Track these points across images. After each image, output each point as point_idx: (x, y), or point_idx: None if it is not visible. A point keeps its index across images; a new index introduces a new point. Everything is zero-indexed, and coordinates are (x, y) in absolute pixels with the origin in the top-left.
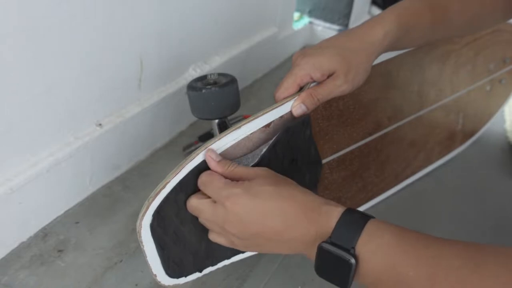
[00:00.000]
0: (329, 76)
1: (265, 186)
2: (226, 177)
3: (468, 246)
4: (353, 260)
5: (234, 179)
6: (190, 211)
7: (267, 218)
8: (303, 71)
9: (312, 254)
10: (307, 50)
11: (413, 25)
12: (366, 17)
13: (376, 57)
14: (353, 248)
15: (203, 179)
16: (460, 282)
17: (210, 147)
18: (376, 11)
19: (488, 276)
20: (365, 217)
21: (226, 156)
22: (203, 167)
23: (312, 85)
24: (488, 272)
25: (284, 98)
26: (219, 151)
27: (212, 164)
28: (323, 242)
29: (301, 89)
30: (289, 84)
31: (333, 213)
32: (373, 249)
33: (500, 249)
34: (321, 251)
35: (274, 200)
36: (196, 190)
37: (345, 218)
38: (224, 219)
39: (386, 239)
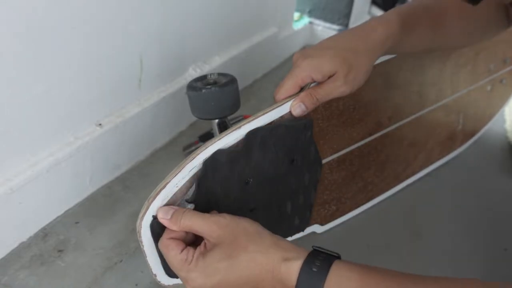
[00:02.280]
0: (330, 77)
1: (220, 263)
2: (185, 230)
3: (437, 281)
4: None
5: (192, 231)
6: None
7: (233, 279)
8: (304, 73)
9: None
10: (308, 50)
11: (414, 29)
12: (366, 17)
13: (377, 58)
14: None
15: (162, 250)
16: None
17: (160, 207)
18: (376, 11)
19: None
20: (326, 266)
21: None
22: (202, 172)
23: (312, 85)
24: None
25: (284, 99)
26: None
27: (165, 223)
28: None
29: (301, 90)
30: (289, 85)
31: (292, 270)
32: None
33: (466, 283)
34: None
35: (231, 276)
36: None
37: (305, 274)
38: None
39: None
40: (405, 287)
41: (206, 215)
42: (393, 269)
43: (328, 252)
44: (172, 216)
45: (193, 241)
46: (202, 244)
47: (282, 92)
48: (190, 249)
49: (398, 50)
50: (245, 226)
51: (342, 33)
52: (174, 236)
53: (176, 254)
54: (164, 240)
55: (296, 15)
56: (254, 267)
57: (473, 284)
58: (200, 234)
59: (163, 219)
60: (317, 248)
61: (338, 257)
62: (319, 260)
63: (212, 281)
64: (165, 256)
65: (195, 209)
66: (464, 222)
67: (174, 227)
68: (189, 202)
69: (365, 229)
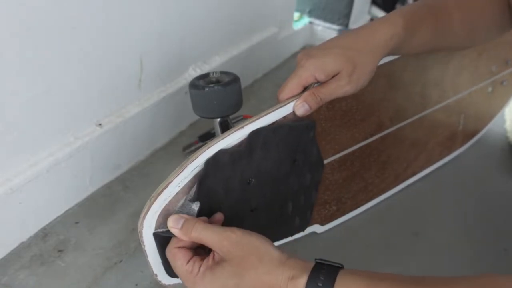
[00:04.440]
0: (334, 76)
1: (228, 280)
2: (196, 241)
3: (436, 282)
4: None
5: (203, 243)
6: None
7: None
8: (308, 72)
9: None
10: (312, 50)
11: (418, 30)
12: (366, 17)
13: (381, 59)
14: None
15: (169, 258)
16: None
17: (171, 216)
18: (376, 11)
19: None
20: (331, 280)
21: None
22: (203, 171)
23: (315, 85)
24: None
25: (288, 99)
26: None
27: (175, 232)
28: None
29: (305, 90)
30: (293, 85)
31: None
32: None
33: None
34: None
35: None
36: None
37: None
38: None
39: None
40: None
41: (217, 228)
42: (398, 274)
43: (331, 264)
44: (182, 226)
45: (201, 247)
46: (211, 256)
47: (286, 92)
48: (197, 261)
49: (401, 51)
50: (256, 245)
51: (346, 34)
52: (182, 245)
53: (182, 265)
54: (171, 249)
55: (296, 15)
56: (261, 287)
57: (487, 282)
58: (210, 247)
59: (174, 229)
60: (319, 261)
61: (341, 267)
62: (323, 274)
63: None
64: (172, 265)
65: (201, 207)
66: (464, 222)
67: (184, 238)
68: (192, 202)
69: (365, 229)
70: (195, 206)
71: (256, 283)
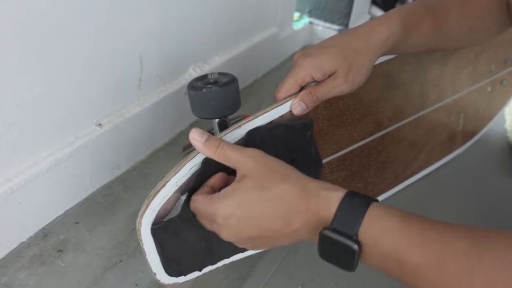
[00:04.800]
0: (330, 76)
1: (252, 192)
2: (217, 159)
3: (472, 230)
4: (356, 247)
5: (225, 162)
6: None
7: (263, 221)
8: (304, 71)
9: (316, 239)
10: (309, 50)
11: (415, 29)
12: (366, 17)
13: (378, 58)
14: (356, 234)
15: (191, 206)
16: (468, 266)
17: (193, 128)
18: (376, 11)
19: (495, 258)
20: (367, 201)
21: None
22: (201, 170)
23: (312, 84)
24: (495, 254)
25: (285, 98)
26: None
27: (198, 146)
28: (324, 229)
29: (302, 89)
30: (290, 85)
31: (332, 199)
32: (376, 235)
33: (504, 233)
34: (323, 237)
35: (265, 204)
36: (195, 189)
37: (346, 204)
38: (221, 233)
39: (388, 224)
40: (447, 233)
41: (241, 147)
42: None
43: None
44: (206, 141)
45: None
46: (231, 181)
47: (283, 91)
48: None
49: (399, 50)
50: (280, 163)
51: (343, 33)
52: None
53: (202, 198)
54: (192, 197)
55: (296, 15)
56: (289, 197)
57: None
58: (233, 165)
59: (197, 141)
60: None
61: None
62: (360, 196)
63: (243, 211)
64: (194, 208)
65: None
66: (464, 222)
67: (207, 152)
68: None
69: None
70: (183, 197)
71: (282, 193)
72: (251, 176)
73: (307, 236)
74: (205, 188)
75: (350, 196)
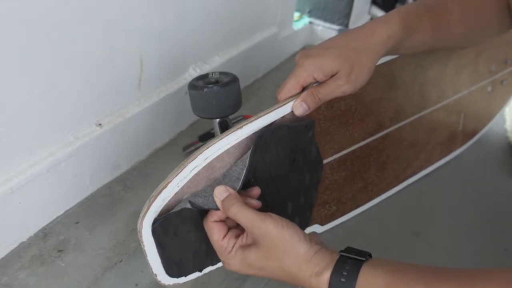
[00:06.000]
0: (332, 76)
1: (255, 263)
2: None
3: (459, 280)
4: None
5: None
6: None
7: (265, 275)
8: (306, 72)
9: None
10: (310, 50)
11: (416, 30)
12: (366, 17)
13: (379, 58)
14: None
15: (206, 230)
16: None
17: (218, 186)
18: (376, 11)
19: None
20: (355, 272)
21: (212, 169)
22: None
23: (314, 85)
24: None
25: (286, 99)
26: (219, 151)
27: (217, 202)
28: None
29: (303, 89)
30: (292, 85)
31: (322, 284)
32: None
33: (491, 279)
34: None
35: (267, 274)
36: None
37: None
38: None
39: None
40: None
41: (252, 213)
42: (420, 264)
43: (355, 257)
44: (224, 200)
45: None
46: (244, 235)
47: (284, 92)
48: (232, 238)
49: (400, 51)
50: (284, 239)
51: (344, 33)
52: (218, 219)
53: (218, 240)
54: (209, 222)
55: (296, 15)
56: (286, 277)
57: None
58: (243, 227)
59: (217, 198)
60: (344, 254)
61: (368, 257)
62: (347, 269)
63: (247, 272)
64: (209, 237)
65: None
66: (464, 222)
67: (222, 211)
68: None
69: (365, 229)
70: (237, 185)
71: (280, 273)
72: (257, 247)
73: None
74: (219, 215)
75: (337, 274)
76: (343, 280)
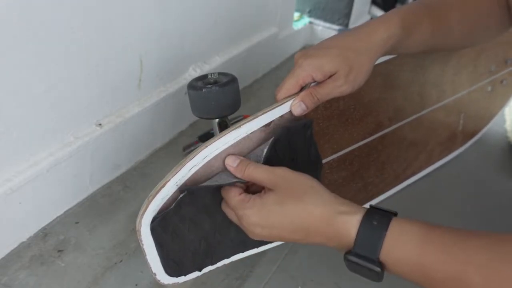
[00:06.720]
0: (331, 76)
1: (273, 206)
2: (245, 180)
3: (491, 238)
4: (378, 269)
5: (253, 181)
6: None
7: (283, 232)
8: (305, 72)
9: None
10: (309, 50)
11: (416, 29)
12: (366, 17)
13: (378, 58)
14: (377, 258)
15: (222, 194)
16: (490, 278)
17: (229, 154)
18: (376, 11)
19: None
20: (386, 221)
21: (210, 168)
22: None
23: (312, 85)
24: None
25: (285, 98)
26: (218, 151)
27: (231, 170)
28: (347, 253)
29: (302, 89)
30: (290, 85)
31: (351, 223)
32: (398, 257)
33: None
34: (347, 261)
35: (285, 218)
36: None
37: (365, 228)
38: (246, 232)
39: (409, 245)
40: (467, 245)
41: (267, 167)
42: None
43: (386, 210)
44: (238, 165)
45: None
46: (262, 191)
47: (283, 92)
48: (248, 194)
49: (399, 50)
50: (302, 180)
51: (343, 33)
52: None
53: (235, 195)
54: (226, 187)
55: (296, 15)
56: (307, 217)
57: None
58: (260, 183)
59: (230, 166)
60: (374, 206)
61: (395, 215)
62: (378, 215)
63: (265, 221)
64: (225, 199)
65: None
66: (464, 222)
67: (238, 175)
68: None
69: None
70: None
71: (300, 213)
72: (275, 191)
73: (330, 246)
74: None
75: (369, 217)
76: (375, 223)
